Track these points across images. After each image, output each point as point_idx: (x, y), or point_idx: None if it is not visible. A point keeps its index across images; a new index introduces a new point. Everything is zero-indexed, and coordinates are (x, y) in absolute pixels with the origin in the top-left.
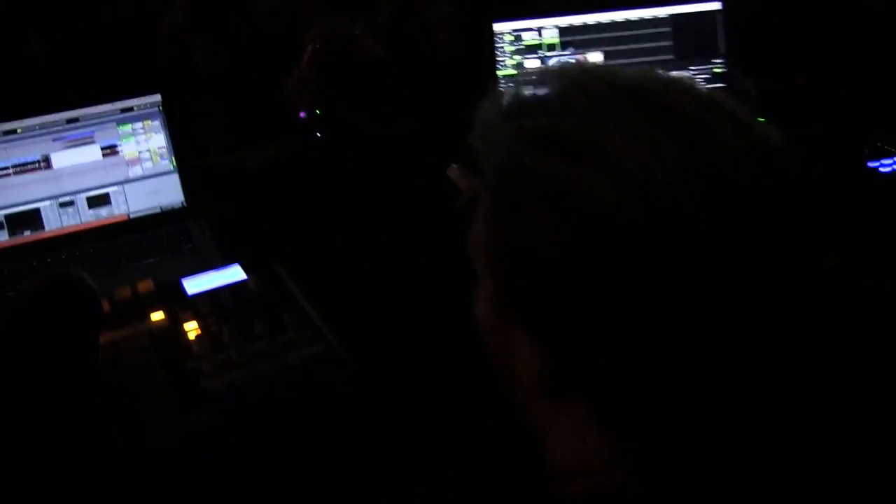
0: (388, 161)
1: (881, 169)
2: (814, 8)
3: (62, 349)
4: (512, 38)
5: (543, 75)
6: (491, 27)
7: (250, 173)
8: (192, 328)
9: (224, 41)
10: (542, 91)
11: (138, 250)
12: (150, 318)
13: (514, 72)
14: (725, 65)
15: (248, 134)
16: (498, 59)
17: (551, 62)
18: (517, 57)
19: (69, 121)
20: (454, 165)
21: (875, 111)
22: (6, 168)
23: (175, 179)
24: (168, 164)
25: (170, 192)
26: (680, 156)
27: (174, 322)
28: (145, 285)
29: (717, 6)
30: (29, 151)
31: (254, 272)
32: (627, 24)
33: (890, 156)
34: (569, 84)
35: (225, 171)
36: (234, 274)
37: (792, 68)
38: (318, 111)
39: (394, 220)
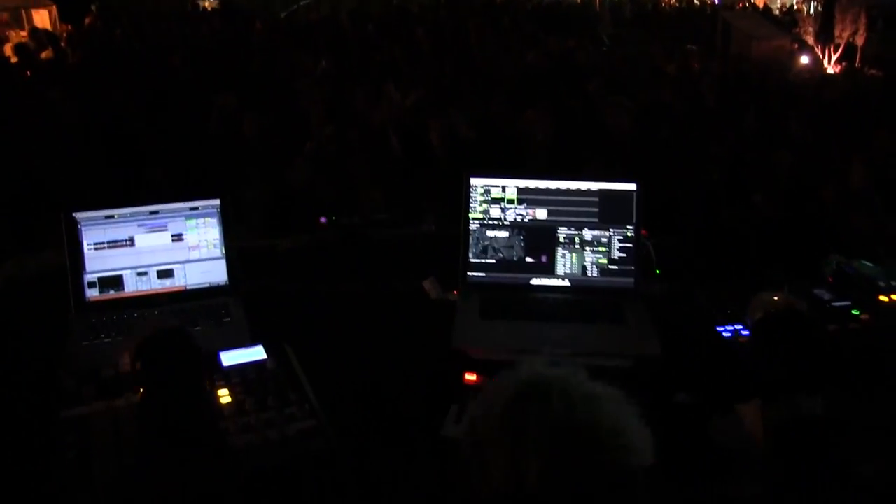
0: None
1: (724, 333)
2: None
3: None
4: (483, 190)
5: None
6: (469, 180)
7: (279, 257)
8: (224, 395)
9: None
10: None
11: (190, 316)
12: None
13: (481, 216)
14: (635, 230)
15: (279, 227)
16: (471, 204)
17: (508, 213)
18: (485, 205)
19: (151, 212)
20: (429, 279)
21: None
22: (102, 243)
23: (222, 263)
24: (219, 251)
25: (217, 273)
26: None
27: (211, 387)
28: None
29: (633, 188)
30: (120, 233)
31: (271, 353)
32: (568, 191)
33: (732, 323)
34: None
35: (258, 254)
36: (257, 353)
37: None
38: (334, 217)
39: (382, 311)
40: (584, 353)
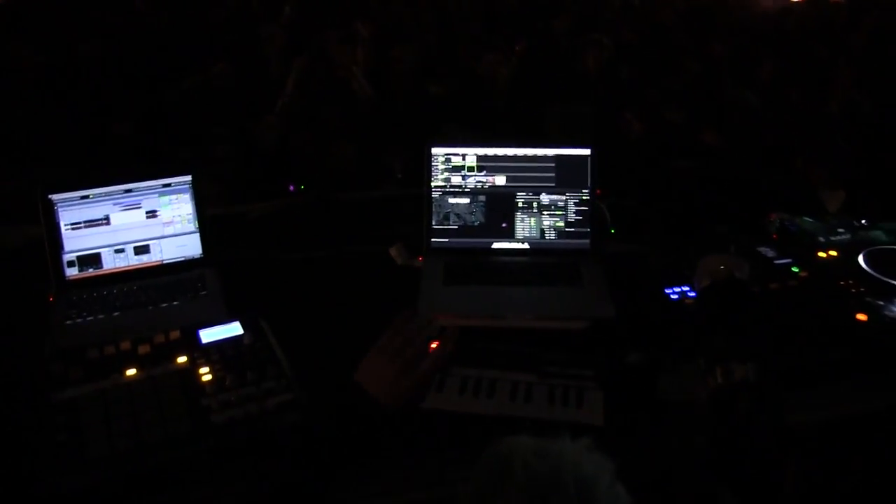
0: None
1: (672, 295)
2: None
3: None
4: (444, 159)
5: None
6: (430, 150)
7: (251, 224)
8: (205, 372)
9: None
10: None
11: (168, 290)
12: (176, 360)
13: (442, 184)
14: (590, 193)
15: (249, 194)
16: (432, 173)
17: (468, 180)
18: (446, 173)
19: (126, 191)
20: (396, 245)
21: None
22: (79, 223)
23: (196, 237)
24: (192, 225)
25: (192, 246)
26: None
27: (193, 365)
28: (174, 334)
29: (587, 152)
30: (96, 212)
31: (248, 328)
32: (525, 158)
33: (681, 284)
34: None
35: (230, 222)
36: (234, 329)
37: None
38: (302, 186)
39: (352, 278)
40: (544, 317)
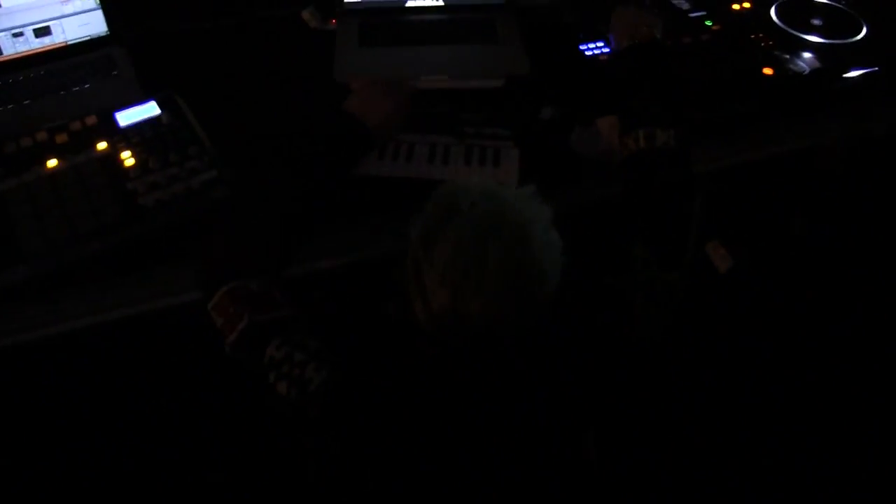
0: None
1: (587, 51)
2: None
3: None
4: None
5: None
6: None
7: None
8: (127, 156)
9: None
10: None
11: (77, 74)
12: (97, 146)
13: None
14: None
15: None
16: None
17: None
18: None
19: None
20: (309, 8)
21: None
22: None
23: (99, 13)
24: (93, 1)
25: (96, 23)
26: None
27: (114, 150)
28: (91, 119)
29: None
30: None
31: (164, 106)
32: None
33: (595, 40)
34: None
35: None
36: (151, 109)
37: None
38: None
39: (264, 45)
40: (460, 76)
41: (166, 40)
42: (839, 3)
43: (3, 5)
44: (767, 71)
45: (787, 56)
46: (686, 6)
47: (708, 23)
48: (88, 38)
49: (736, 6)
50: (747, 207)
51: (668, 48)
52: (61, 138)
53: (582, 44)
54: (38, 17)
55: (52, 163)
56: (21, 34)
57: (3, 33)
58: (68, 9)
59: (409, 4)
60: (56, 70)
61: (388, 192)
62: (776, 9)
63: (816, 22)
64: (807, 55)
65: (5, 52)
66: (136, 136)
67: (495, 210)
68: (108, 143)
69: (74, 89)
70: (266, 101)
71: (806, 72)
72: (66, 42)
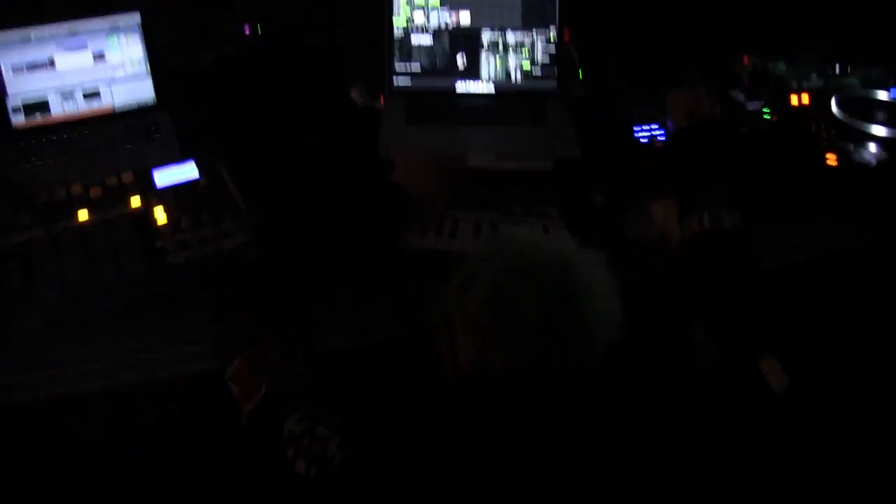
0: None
1: (640, 135)
2: None
3: None
4: None
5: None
6: None
7: (204, 72)
8: (160, 214)
9: None
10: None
11: (120, 136)
12: (130, 202)
13: (405, 23)
14: (557, 32)
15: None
16: (394, 11)
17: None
18: (408, 10)
19: (70, 32)
20: (356, 87)
21: None
22: (21, 66)
23: (148, 81)
24: (144, 69)
25: (144, 91)
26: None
27: (147, 207)
28: (128, 176)
29: None
30: (39, 54)
31: (204, 170)
32: None
33: (649, 123)
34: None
35: (184, 69)
36: (190, 170)
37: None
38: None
39: (311, 121)
40: (508, 156)
41: (213, 111)
42: None
43: (57, 66)
44: (831, 158)
45: (851, 146)
46: (742, 98)
47: (766, 115)
48: (136, 104)
49: (794, 100)
50: (811, 315)
51: (730, 127)
52: (95, 192)
53: (637, 126)
54: (88, 79)
55: (83, 215)
56: (71, 96)
57: (53, 94)
58: (119, 74)
59: (459, 90)
60: (101, 132)
61: (429, 265)
62: (837, 102)
63: (881, 115)
64: (872, 147)
65: (54, 113)
66: (172, 195)
67: (540, 254)
68: (142, 199)
69: (115, 149)
70: (307, 171)
71: (873, 164)
72: (113, 107)
